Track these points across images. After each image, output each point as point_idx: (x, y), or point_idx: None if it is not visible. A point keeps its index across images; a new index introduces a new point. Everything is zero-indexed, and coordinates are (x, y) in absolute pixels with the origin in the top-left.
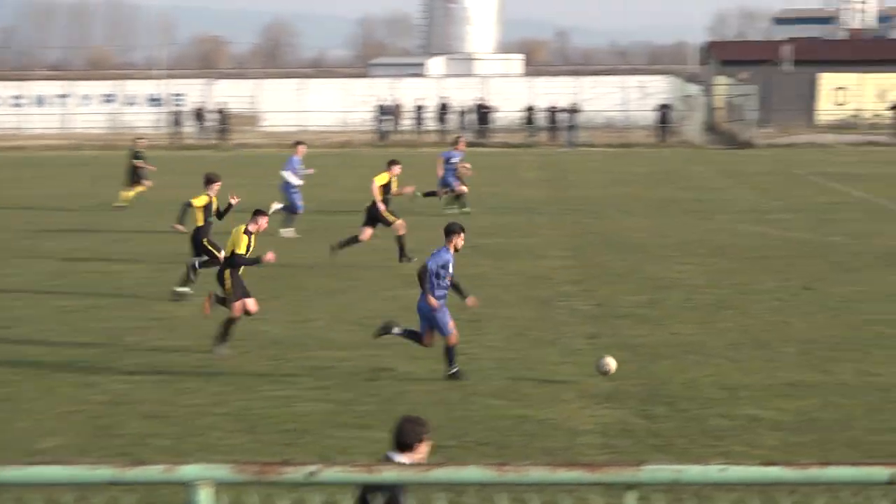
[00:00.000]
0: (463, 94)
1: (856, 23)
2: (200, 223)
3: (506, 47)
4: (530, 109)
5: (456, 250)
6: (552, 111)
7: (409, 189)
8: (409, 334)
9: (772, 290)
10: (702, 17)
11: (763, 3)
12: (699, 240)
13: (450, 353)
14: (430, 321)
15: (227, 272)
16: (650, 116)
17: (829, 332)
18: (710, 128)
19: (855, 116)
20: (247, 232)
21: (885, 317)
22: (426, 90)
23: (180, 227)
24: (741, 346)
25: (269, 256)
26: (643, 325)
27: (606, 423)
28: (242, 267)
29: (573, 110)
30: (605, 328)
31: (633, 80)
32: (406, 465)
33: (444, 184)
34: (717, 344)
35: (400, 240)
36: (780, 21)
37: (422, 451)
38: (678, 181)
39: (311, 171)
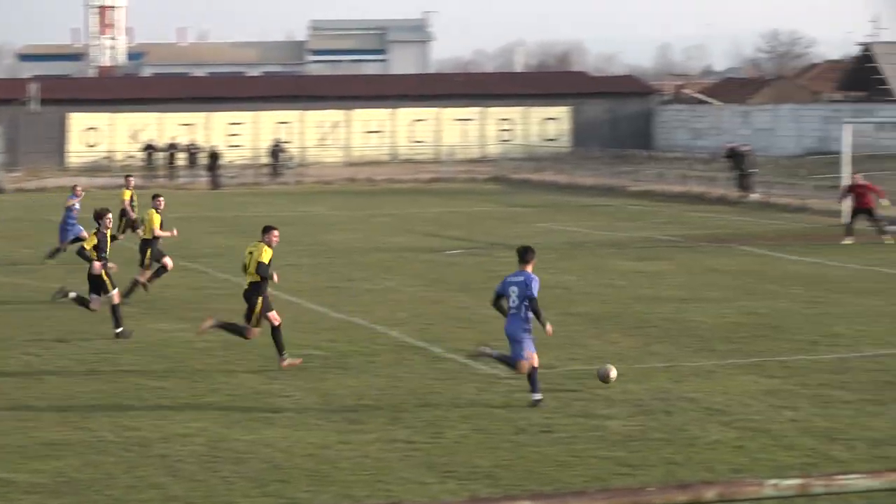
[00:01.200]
0: None
1: (106, 60)
2: None
3: None
4: None
5: None
6: None
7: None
8: (502, 359)
9: (21, 344)
10: None
11: (7, 38)
12: None
13: (531, 378)
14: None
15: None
16: None
17: (86, 387)
18: None
19: (107, 158)
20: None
21: (143, 368)
22: None
23: None
24: None
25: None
26: None
27: None
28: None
29: None
30: None
31: None
32: None
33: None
34: None
35: (134, 284)
36: (26, 57)
37: None
38: None
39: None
